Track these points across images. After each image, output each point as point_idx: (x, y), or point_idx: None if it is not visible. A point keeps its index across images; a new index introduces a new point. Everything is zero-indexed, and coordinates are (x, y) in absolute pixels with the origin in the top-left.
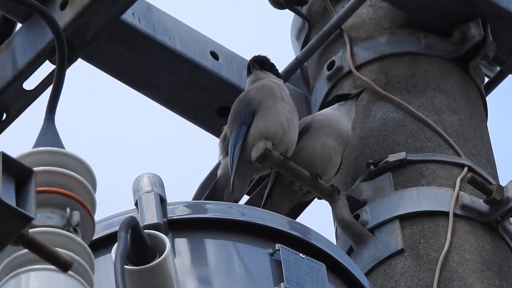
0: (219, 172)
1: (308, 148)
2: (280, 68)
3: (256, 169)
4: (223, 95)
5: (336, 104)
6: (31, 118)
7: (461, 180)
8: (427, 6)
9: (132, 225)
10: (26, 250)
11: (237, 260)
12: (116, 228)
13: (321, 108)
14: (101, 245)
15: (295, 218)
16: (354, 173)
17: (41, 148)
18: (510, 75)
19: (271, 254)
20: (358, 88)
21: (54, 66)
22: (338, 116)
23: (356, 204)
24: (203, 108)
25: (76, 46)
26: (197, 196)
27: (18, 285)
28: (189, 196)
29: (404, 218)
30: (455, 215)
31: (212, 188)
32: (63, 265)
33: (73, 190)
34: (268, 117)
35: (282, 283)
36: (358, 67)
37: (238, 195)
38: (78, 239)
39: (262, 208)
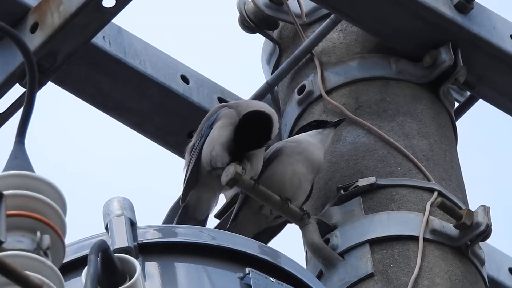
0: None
1: (278, 174)
2: (251, 92)
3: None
4: (194, 119)
5: (313, 131)
6: (1, 141)
7: (431, 205)
8: (398, 31)
9: (102, 249)
10: None
11: (207, 283)
12: (86, 252)
13: (296, 132)
14: (72, 269)
15: (266, 243)
16: (324, 198)
17: (11, 172)
18: (480, 100)
19: (241, 278)
20: (329, 112)
21: (24, 89)
22: (312, 145)
23: (326, 228)
24: (174, 132)
25: (47, 69)
26: (167, 220)
27: None
28: (159, 220)
29: (374, 242)
30: (425, 239)
31: (183, 207)
32: None
33: (43, 214)
34: (224, 128)
35: None
36: (328, 92)
37: (209, 209)
38: (49, 262)
39: (226, 230)
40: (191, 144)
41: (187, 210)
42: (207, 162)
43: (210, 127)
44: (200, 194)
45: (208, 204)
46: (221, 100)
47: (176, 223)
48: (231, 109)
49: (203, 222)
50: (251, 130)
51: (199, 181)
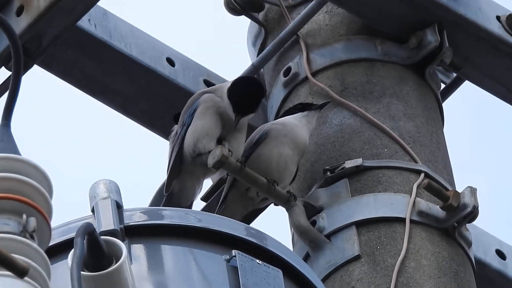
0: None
1: (264, 156)
2: (236, 74)
3: (209, 170)
4: (180, 102)
5: (299, 114)
6: None
7: (418, 186)
8: (384, 12)
9: (88, 231)
10: None
11: (194, 266)
12: (72, 234)
13: (282, 115)
14: (58, 251)
15: (248, 224)
16: (310, 180)
17: None
18: (466, 81)
19: (228, 260)
20: (314, 94)
21: (10, 73)
22: (297, 127)
23: (312, 210)
24: (160, 115)
25: (32, 52)
26: (154, 202)
27: None
28: (146, 203)
29: (361, 224)
30: (411, 221)
31: (168, 194)
32: (20, 271)
33: (29, 197)
34: (206, 115)
35: None
36: (314, 74)
37: (193, 196)
38: (35, 245)
39: (216, 213)
40: (173, 132)
41: (171, 198)
42: (191, 151)
43: (192, 115)
44: (184, 182)
45: (192, 191)
46: (206, 82)
47: None
48: (211, 93)
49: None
50: (244, 90)
51: (182, 169)
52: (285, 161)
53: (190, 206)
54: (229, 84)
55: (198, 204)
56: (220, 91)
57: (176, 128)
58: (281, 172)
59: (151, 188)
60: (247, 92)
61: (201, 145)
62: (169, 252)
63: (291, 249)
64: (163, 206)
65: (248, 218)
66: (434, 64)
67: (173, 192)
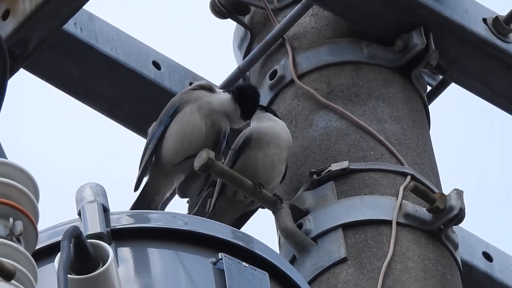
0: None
1: (250, 159)
2: (222, 77)
3: (183, 170)
4: (165, 105)
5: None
6: None
7: (404, 189)
8: (369, 15)
9: (75, 235)
10: None
11: (180, 269)
12: (59, 238)
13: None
14: (44, 255)
15: (239, 228)
16: (297, 182)
17: None
18: (452, 83)
19: (214, 263)
20: (300, 97)
21: None
22: (266, 123)
23: (299, 213)
24: (146, 118)
25: (18, 56)
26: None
27: None
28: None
29: (347, 227)
30: (398, 223)
31: (136, 201)
32: (6, 275)
33: (16, 200)
34: (185, 118)
35: None
36: (300, 76)
37: (164, 196)
38: (21, 248)
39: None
40: (151, 128)
41: (144, 198)
42: (173, 156)
43: (171, 116)
44: (158, 181)
45: (164, 192)
46: (192, 84)
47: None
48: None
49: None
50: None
51: (156, 169)
52: (271, 161)
53: (163, 207)
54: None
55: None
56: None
57: (154, 124)
58: (269, 172)
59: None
60: (252, 100)
61: (183, 155)
62: (156, 255)
63: (278, 252)
64: (134, 204)
65: (239, 221)
66: (420, 66)
67: (147, 193)
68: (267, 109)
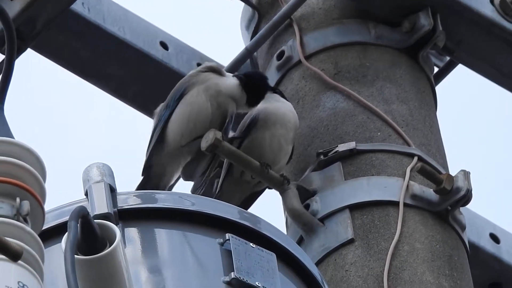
0: (150, 156)
1: (257, 140)
2: (230, 58)
3: (189, 151)
4: (173, 86)
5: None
6: None
7: (411, 170)
8: None
9: (82, 215)
10: None
11: (188, 249)
12: (66, 218)
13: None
14: (51, 235)
15: (246, 209)
16: (304, 163)
17: None
18: (459, 64)
19: (221, 244)
20: (308, 78)
21: (3, 56)
22: (273, 104)
23: (306, 194)
24: (153, 99)
25: (26, 36)
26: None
27: None
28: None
29: (354, 208)
30: (405, 204)
31: (141, 182)
32: (13, 255)
33: (22, 180)
34: (191, 100)
35: (232, 273)
36: (307, 57)
37: (171, 180)
38: (28, 228)
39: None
40: (158, 109)
41: (150, 181)
42: (177, 140)
43: (178, 100)
44: (164, 165)
45: (171, 174)
46: (199, 66)
47: None
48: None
49: None
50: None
51: (163, 152)
52: (278, 142)
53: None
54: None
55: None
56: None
57: (161, 105)
58: (276, 153)
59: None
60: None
61: (189, 136)
62: (163, 235)
63: (285, 232)
64: (139, 188)
65: (247, 202)
66: (427, 47)
67: (151, 176)
68: (275, 89)
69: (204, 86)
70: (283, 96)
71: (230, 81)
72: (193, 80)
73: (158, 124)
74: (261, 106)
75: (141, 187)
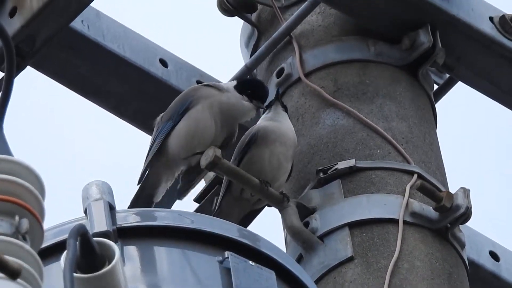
0: (148, 166)
1: (256, 157)
2: (230, 75)
3: (186, 163)
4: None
5: (263, 115)
6: None
7: (411, 187)
8: (377, 13)
9: (81, 233)
10: None
11: (187, 267)
12: (65, 236)
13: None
14: (51, 253)
15: (245, 227)
16: (303, 180)
17: None
18: (459, 82)
19: (221, 262)
20: (307, 95)
21: (2, 74)
22: (275, 121)
23: (305, 211)
24: (153, 116)
25: (25, 53)
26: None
27: None
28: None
29: (354, 225)
30: (405, 222)
31: (137, 192)
32: (12, 273)
33: (22, 198)
34: (197, 116)
35: None
36: (307, 74)
37: (164, 189)
38: (27, 247)
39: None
40: (158, 119)
41: (143, 191)
42: (179, 154)
43: (182, 114)
44: (160, 175)
45: (166, 184)
46: (199, 83)
47: (131, 204)
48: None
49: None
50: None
51: (162, 162)
52: (278, 160)
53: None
54: (229, 84)
55: (191, 205)
56: (218, 86)
57: (162, 115)
58: (275, 171)
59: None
60: (259, 83)
61: (190, 151)
62: (162, 253)
63: (284, 250)
64: (135, 198)
65: (246, 220)
66: (427, 65)
67: (145, 186)
68: (285, 108)
69: (209, 103)
70: (286, 110)
71: (231, 95)
72: (198, 95)
73: (159, 136)
74: (260, 123)
75: (136, 197)
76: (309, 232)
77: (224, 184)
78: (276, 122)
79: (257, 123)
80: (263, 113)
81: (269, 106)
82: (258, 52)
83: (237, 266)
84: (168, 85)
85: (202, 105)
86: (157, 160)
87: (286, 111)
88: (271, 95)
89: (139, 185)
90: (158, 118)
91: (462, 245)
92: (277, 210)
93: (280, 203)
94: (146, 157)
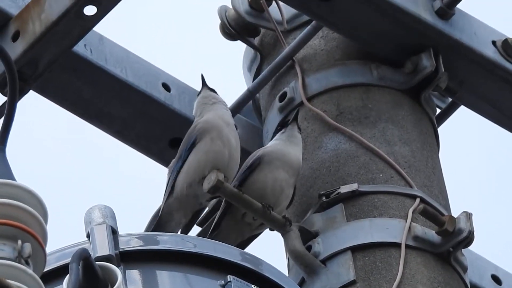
0: (162, 206)
1: (259, 182)
2: (232, 99)
3: (199, 203)
4: (176, 127)
5: (278, 134)
6: None
7: (413, 211)
8: (379, 37)
9: (83, 257)
10: None
11: None
12: (68, 260)
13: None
14: (53, 277)
15: (243, 250)
16: (306, 204)
17: None
18: (461, 106)
19: (223, 286)
20: (310, 119)
21: (5, 98)
22: (285, 146)
23: (308, 235)
24: (155, 140)
25: (28, 77)
26: (149, 228)
27: None
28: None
29: (356, 249)
30: (407, 246)
31: (156, 223)
32: None
33: (24, 222)
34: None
35: None
36: (310, 98)
37: (177, 227)
38: (30, 271)
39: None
40: (172, 162)
41: (158, 225)
42: (185, 189)
43: (189, 150)
44: (172, 213)
45: (178, 222)
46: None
47: None
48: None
49: None
50: None
51: (174, 200)
52: (280, 186)
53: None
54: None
55: (193, 229)
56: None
57: (173, 161)
58: (277, 196)
59: (148, 211)
60: None
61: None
62: (165, 277)
63: (287, 274)
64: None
65: (243, 244)
66: (430, 89)
67: (161, 221)
68: (300, 129)
69: (217, 133)
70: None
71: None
72: (203, 128)
73: (171, 176)
74: (267, 148)
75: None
76: (312, 256)
77: (223, 206)
78: (284, 148)
79: (268, 143)
80: (277, 132)
81: (284, 125)
82: (260, 76)
83: None
84: (171, 109)
85: (211, 136)
86: (171, 200)
87: (300, 132)
88: (275, 120)
89: (154, 224)
90: (171, 164)
91: (465, 269)
92: (279, 234)
93: (282, 227)
94: (163, 198)
